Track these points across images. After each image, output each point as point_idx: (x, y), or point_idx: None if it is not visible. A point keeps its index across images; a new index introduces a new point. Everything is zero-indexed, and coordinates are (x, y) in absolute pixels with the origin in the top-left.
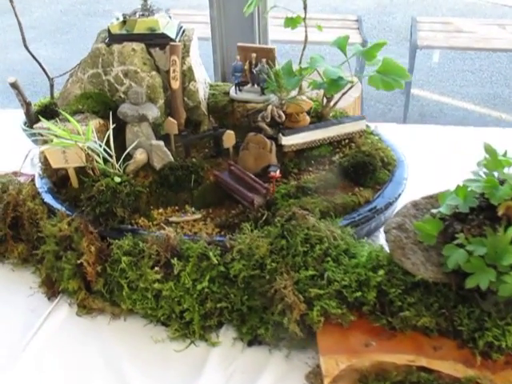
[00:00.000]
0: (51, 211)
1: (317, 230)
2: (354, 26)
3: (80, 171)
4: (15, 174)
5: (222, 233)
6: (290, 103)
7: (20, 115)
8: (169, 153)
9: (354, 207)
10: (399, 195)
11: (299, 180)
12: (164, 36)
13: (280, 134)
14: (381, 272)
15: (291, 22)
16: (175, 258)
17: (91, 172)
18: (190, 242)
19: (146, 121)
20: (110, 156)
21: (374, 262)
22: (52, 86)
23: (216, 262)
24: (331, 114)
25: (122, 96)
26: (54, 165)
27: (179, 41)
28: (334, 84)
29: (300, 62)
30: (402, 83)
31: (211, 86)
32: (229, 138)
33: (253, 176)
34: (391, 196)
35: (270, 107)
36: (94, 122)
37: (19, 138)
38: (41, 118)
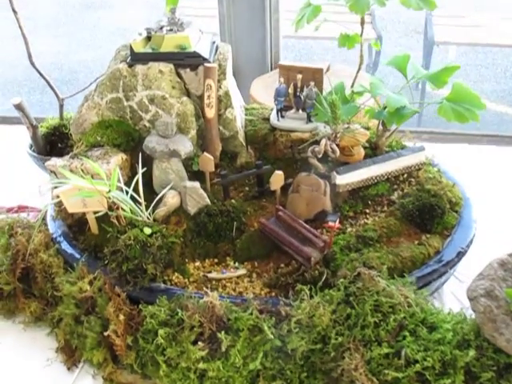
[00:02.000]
0: (67, 262)
1: (389, 296)
2: (367, 19)
3: (101, 217)
4: (21, 208)
5: (273, 293)
6: (345, 135)
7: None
8: (205, 195)
9: (423, 260)
10: (471, 242)
11: (357, 226)
12: (196, 55)
13: (334, 173)
14: (471, 352)
15: (348, 41)
16: (222, 332)
17: (115, 220)
18: (239, 311)
19: (178, 157)
20: (139, 202)
21: (459, 337)
22: (61, 107)
23: (271, 336)
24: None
25: (147, 125)
26: (71, 209)
27: (213, 60)
28: (398, 114)
29: (352, 85)
30: (478, 115)
31: (246, 109)
32: (277, 180)
33: (306, 225)
34: (462, 243)
35: (324, 141)
36: (117, 159)
37: (24, 158)
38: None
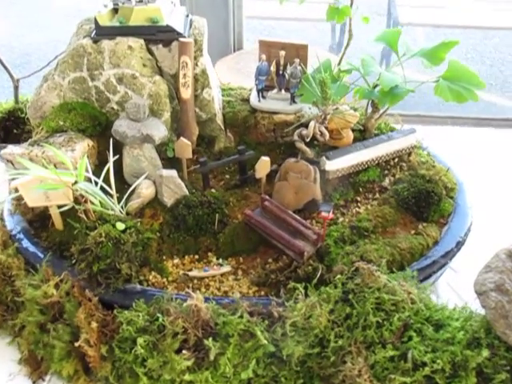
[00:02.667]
0: (29, 262)
1: (391, 292)
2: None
3: (66, 211)
4: None
5: (262, 292)
6: (334, 117)
7: None
8: (183, 185)
9: (422, 251)
10: (468, 230)
11: (350, 216)
12: (169, 29)
13: (323, 158)
14: (484, 352)
15: (337, 13)
16: (210, 338)
17: (83, 215)
18: (227, 314)
19: (151, 143)
20: (109, 194)
21: (469, 335)
22: (16, 88)
23: (264, 341)
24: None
25: (116, 108)
26: (32, 203)
27: (189, 35)
28: (391, 94)
29: (339, 63)
30: (476, 94)
31: (223, 89)
32: (263, 167)
33: (296, 216)
34: (459, 232)
35: (312, 123)
36: (82, 145)
37: None
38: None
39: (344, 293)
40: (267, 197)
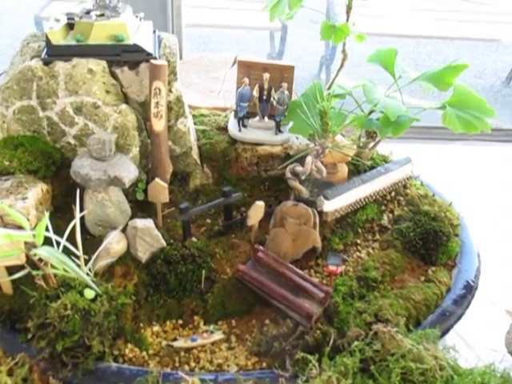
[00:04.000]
0: None
1: (418, 359)
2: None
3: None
4: None
5: (263, 364)
6: (332, 150)
7: None
8: (160, 235)
9: (436, 302)
10: (478, 272)
11: (353, 263)
12: (137, 49)
13: (321, 197)
14: None
15: (334, 32)
16: None
17: (42, 282)
18: None
19: (120, 186)
20: (74, 255)
21: None
22: None
23: None
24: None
25: (73, 142)
26: None
27: (159, 56)
28: (395, 123)
29: (329, 87)
30: (488, 123)
31: (194, 116)
32: (257, 212)
33: (299, 271)
34: (469, 275)
35: (309, 159)
36: (36, 192)
37: None
38: None
39: (363, 362)
40: (261, 247)
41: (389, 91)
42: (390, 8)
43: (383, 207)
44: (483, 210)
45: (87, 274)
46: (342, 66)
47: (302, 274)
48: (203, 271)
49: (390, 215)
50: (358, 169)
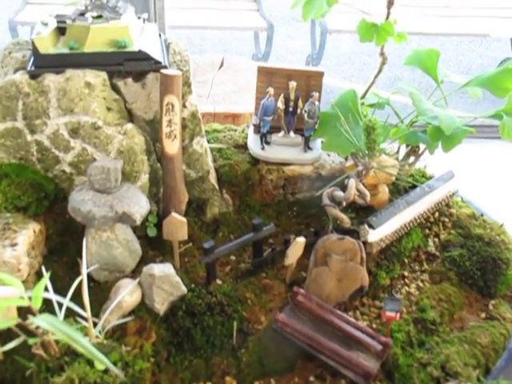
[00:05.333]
0: None
1: None
2: (252, 7)
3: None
4: None
5: None
6: (377, 171)
7: None
8: (181, 282)
9: (504, 343)
10: None
11: (404, 300)
12: (143, 56)
13: (365, 226)
14: None
15: (376, 32)
16: None
17: (41, 351)
18: None
19: (130, 223)
20: (81, 317)
21: None
22: None
23: None
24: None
25: (68, 171)
26: None
27: (170, 64)
28: (449, 137)
29: (364, 95)
30: None
31: (206, 132)
32: (297, 251)
33: (350, 318)
34: None
35: (353, 182)
36: (26, 235)
37: None
38: None
39: None
40: (301, 290)
41: (432, 99)
42: (375, 4)
43: (427, 231)
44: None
45: (97, 337)
46: (380, 70)
47: (353, 321)
48: (234, 323)
49: (436, 240)
50: (397, 188)
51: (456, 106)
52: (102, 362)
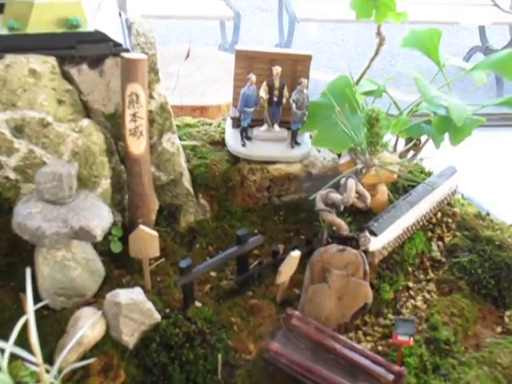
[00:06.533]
0: None
1: None
2: None
3: None
4: None
5: None
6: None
7: None
8: (153, 309)
9: None
10: None
11: (416, 318)
12: (100, 38)
13: (366, 233)
14: None
15: (375, 7)
16: None
17: None
18: None
19: (89, 240)
20: (31, 362)
21: None
22: None
23: None
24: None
25: (13, 177)
26: None
27: (132, 47)
28: (458, 129)
29: (358, 82)
30: None
31: (178, 127)
32: (291, 267)
33: (355, 344)
34: None
35: (352, 183)
36: None
37: None
38: None
39: None
40: (296, 312)
41: (435, 85)
42: None
43: (430, 233)
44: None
45: (51, 383)
46: (376, 53)
47: (359, 348)
48: (219, 355)
49: (441, 244)
50: (395, 187)
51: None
52: None
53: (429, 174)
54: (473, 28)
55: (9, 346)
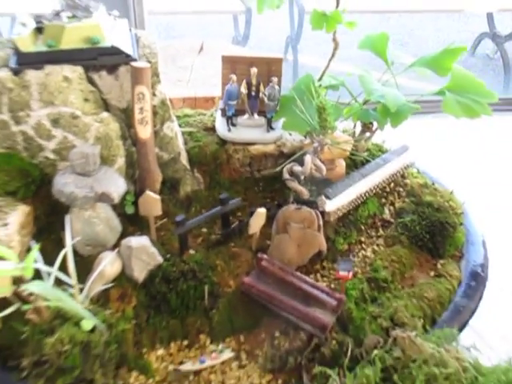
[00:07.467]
0: None
1: (441, 364)
2: None
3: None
4: None
5: (279, 381)
6: (331, 147)
7: None
8: (157, 252)
9: (450, 297)
10: (486, 259)
11: (360, 263)
12: (115, 51)
13: (322, 197)
14: None
15: (326, 21)
16: None
17: (34, 316)
18: None
19: (109, 201)
20: (67, 284)
21: None
22: None
23: None
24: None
25: (52, 157)
26: None
27: (139, 57)
28: (397, 114)
29: (321, 78)
30: (489, 108)
31: (178, 117)
32: (259, 221)
33: (308, 279)
34: (479, 265)
35: (309, 158)
36: (17, 216)
37: None
38: None
39: (384, 371)
40: (264, 255)
41: (383, 79)
42: None
43: (383, 200)
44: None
45: (82, 303)
46: (333, 55)
47: (311, 281)
48: (206, 287)
49: (392, 208)
50: (354, 162)
51: (411, 85)
52: (88, 320)
53: (385, 152)
54: (483, 14)
55: (54, 271)
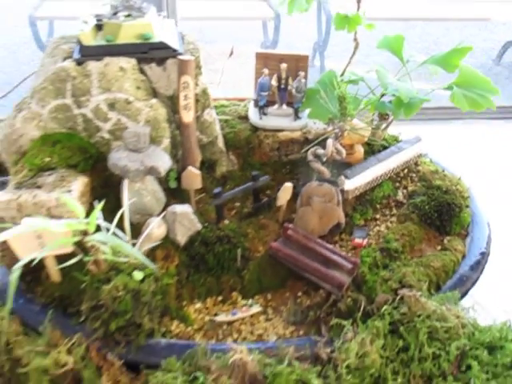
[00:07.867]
0: (25, 323)
1: (442, 319)
2: None
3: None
4: None
5: (300, 332)
6: (349, 132)
7: None
8: (196, 220)
9: (454, 268)
10: (489, 238)
11: (374, 236)
12: (163, 46)
13: (342, 177)
14: None
15: (348, 22)
16: None
17: (93, 267)
18: (274, 364)
19: (156, 175)
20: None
21: None
22: None
23: None
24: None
25: (107, 137)
26: (24, 254)
27: (184, 51)
28: (407, 105)
29: (343, 74)
30: (493, 102)
31: (215, 106)
32: (286, 194)
33: (327, 245)
34: (482, 243)
35: (330, 142)
36: (79, 185)
37: None
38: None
39: (392, 324)
40: (290, 225)
41: (398, 75)
42: None
43: (397, 184)
44: (487, 182)
45: (134, 259)
46: (354, 54)
47: (330, 247)
48: (238, 250)
49: (405, 191)
50: (372, 149)
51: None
52: (139, 272)
53: (399, 141)
54: (510, 23)
55: (112, 227)
